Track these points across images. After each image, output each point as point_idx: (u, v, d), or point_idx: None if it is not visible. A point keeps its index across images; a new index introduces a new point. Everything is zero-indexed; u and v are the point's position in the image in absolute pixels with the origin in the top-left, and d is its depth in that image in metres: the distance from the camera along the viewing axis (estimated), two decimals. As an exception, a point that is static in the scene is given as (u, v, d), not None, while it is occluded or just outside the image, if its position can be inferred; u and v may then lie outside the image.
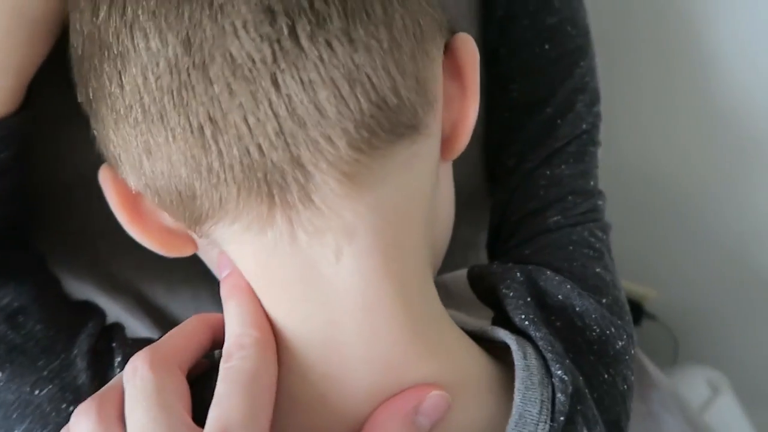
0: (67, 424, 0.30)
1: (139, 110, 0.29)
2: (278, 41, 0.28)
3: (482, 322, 0.38)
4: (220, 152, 0.29)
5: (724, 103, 0.64)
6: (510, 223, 0.44)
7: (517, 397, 0.32)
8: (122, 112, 0.30)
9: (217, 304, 0.48)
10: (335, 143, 0.29)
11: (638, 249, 0.68)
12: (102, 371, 0.35)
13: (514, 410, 0.32)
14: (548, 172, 0.43)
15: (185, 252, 0.35)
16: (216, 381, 0.30)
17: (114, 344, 0.36)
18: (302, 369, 0.31)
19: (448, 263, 0.40)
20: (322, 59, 0.28)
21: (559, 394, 0.33)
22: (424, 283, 0.34)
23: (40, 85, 0.35)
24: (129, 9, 0.29)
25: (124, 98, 0.29)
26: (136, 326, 0.47)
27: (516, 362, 0.33)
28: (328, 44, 0.28)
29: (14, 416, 0.33)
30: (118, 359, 0.35)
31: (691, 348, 0.80)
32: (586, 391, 0.34)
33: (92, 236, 0.44)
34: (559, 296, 0.37)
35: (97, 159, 0.41)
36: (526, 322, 0.35)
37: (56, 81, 0.34)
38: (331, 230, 0.30)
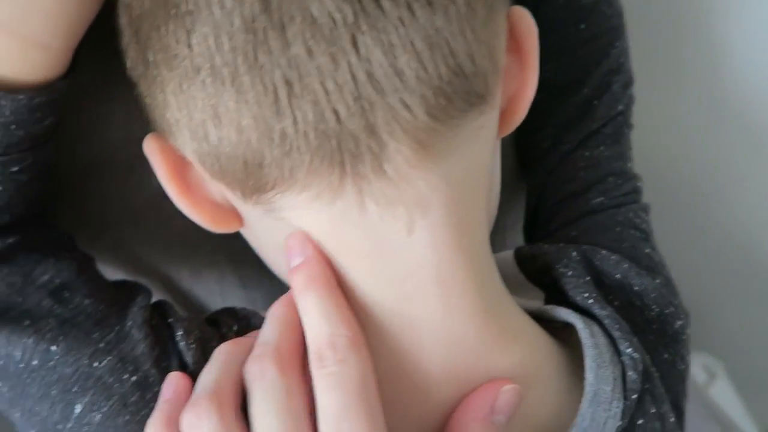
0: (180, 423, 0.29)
1: (209, 72, 0.27)
2: (359, 1, 0.26)
3: (535, 302, 0.37)
4: (294, 118, 0.27)
5: (733, 98, 0.65)
6: (548, 206, 0.43)
7: (589, 375, 0.32)
8: (189, 74, 0.28)
9: (243, 288, 0.46)
10: (413, 110, 0.27)
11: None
12: (162, 342, 0.33)
13: (588, 388, 0.32)
14: (587, 154, 0.43)
15: (231, 228, 0.33)
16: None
17: (171, 319, 0.34)
18: (372, 343, 0.30)
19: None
20: (402, 21, 0.27)
21: (630, 372, 0.32)
22: (490, 259, 0.33)
23: None
24: None
25: (192, 60, 0.27)
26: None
27: (583, 341, 0.32)
28: (408, 6, 0.27)
29: (75, 389, 0.32)
30: (180, 332, 0.33)
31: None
32: (653, 369, 0.34)
33: (116, 219, 0.42)
34: (617, 275, 0.37)
35: (123, 137, 0.39)
36: (590, 301, 0.34)
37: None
38: (404, 202, 0.29)
